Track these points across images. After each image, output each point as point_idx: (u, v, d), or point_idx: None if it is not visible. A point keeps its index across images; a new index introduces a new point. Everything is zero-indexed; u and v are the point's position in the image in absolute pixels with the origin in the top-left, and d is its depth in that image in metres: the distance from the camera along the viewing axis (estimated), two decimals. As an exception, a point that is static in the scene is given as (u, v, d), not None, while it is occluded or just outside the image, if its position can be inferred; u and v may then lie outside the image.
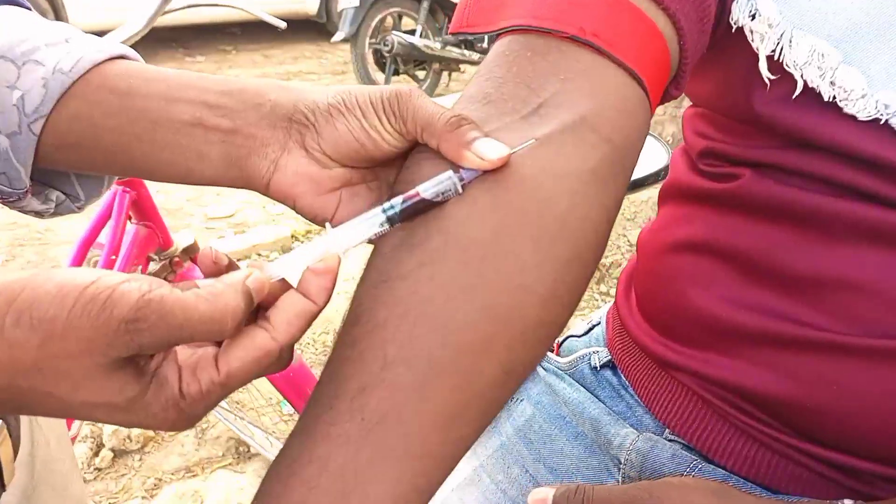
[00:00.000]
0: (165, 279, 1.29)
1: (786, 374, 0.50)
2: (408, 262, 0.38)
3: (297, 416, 1.27)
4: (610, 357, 0.66)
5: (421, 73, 4.91)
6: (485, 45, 4.69)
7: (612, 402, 0.64)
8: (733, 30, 0.48)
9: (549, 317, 0.39)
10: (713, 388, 0.55)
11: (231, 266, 0.41)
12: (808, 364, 0.49)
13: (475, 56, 4.74)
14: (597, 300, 2.37)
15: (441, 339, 0.36)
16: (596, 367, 0.66)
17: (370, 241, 0.41)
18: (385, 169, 0.47)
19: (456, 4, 0.54)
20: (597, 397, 0.64)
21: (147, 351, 0.34)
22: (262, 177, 0.45)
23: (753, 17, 0.47)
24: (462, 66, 4.92)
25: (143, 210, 1.25)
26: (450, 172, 0.39)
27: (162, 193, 2.58)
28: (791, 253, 0.51)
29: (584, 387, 0.66)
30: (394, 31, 4.58)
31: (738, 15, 0.47)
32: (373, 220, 0.40)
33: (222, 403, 1.67)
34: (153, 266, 1.24)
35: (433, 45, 4.64)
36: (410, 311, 0.36)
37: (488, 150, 0.39)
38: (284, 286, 0.39)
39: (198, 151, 0.45)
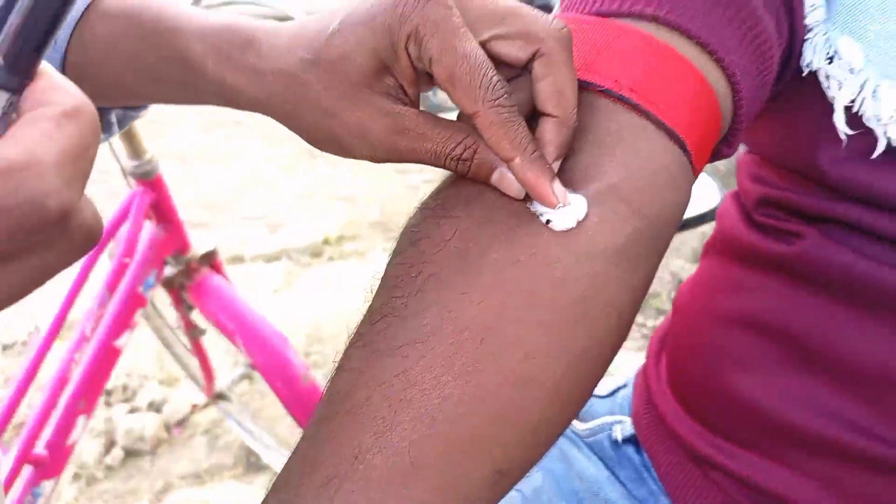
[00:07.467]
0: (181, 286, 1.24)
1: (846, 496, 0.42)
2: (400, 335, 0.32)
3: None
4: (634, 432, 0.58)
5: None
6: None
7: (634, 485, 0.56)
8: (804, 74, 0.40)
9: (553, 414, 0.33)
10: (754, 495, 0.46)
11: None
12: (876, 487, 0.41)
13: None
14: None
15: (425, 431, 0.30)
16: (617, 441, 0.58)
17: None
18: None
19: None
20: (616, 477, 0.56)
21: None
22: None
23: (831, 60, 0.39)
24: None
25: (162, 212, 1.20)
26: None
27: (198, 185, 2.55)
28: (857, 340, 0.43)
29: (602, 461, 0.58)
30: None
31: (812, 57, 0.39)
32: None
33: (235, 410, 1.63)
34: (169, 270, 1.18)
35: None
36: (393, 395, 0.31)
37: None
38: None
39: None
